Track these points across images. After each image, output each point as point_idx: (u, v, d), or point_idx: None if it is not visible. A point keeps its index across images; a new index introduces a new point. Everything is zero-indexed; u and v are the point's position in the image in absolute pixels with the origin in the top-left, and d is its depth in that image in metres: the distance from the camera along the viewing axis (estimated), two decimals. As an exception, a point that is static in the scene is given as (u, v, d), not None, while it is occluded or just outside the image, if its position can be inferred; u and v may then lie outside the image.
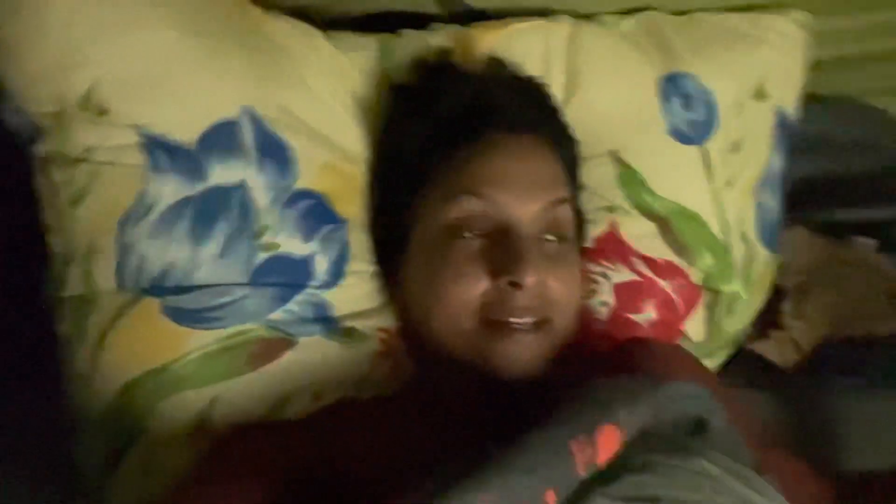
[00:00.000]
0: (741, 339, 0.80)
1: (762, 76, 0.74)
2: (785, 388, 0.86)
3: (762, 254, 0.76)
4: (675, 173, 0.70)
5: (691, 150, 0.70)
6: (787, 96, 0.77)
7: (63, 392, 0.55)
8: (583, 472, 0.44)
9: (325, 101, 0.63)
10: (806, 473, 0.64)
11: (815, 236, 0.91)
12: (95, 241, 0.55)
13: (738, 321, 0.75)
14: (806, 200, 0.92)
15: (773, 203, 0.77)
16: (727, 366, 0.81)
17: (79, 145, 0.55)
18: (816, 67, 0.82)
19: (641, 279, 0.69)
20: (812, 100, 0.87)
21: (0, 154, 0.57)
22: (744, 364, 0.84)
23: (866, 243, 0.91)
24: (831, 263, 0.90)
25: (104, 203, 0.55)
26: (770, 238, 0.77)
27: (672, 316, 0.70)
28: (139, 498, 0.53)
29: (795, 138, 0.85)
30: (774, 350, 0.86)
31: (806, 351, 0.86)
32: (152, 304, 0.55)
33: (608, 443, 0.46)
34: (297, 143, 0.60)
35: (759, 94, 0.74)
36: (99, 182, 0.55)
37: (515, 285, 0.54)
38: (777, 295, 0.86)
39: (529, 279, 0.54)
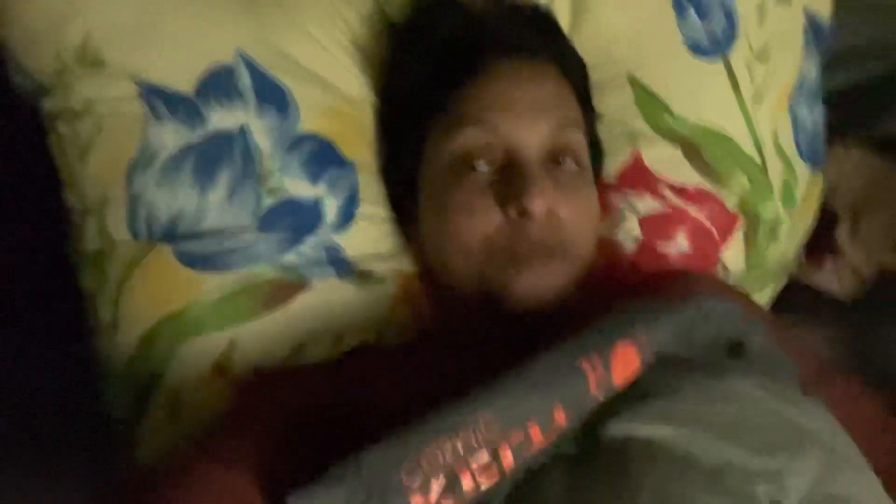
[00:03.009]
0: (789, 268, 0.75)
1: (786, -25, 0.68)
2: (846, 320, 0.80)
3: (804, 171, 0.70)
4: (697, 91, 0.66)
5: (713, 64, 0.66)
6: (818, -3, 0.72)
7: (88, 348, 0.57)
8: (596, 391, 0.42)
9: (323, 45, 0.62)
10: (866, 400, 0.59)
11: (868, 152, 0.84)
12: (106, 193, 0.56)
13: (783, 247, 0.70)
14: (855, 115, 0.85)
15: (812, 115, 0.72)
16: (778, 300, 0.76)
17: (80, 98, 0.56)
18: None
19: (670, 208, 0.66)
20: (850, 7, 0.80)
21: (12, 114, 0.59)
22: (797, 297, 0.79)
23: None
24: (890, 180, 0.83)
25: (110, 154, 0.56)
26: (812, 153, 0.72)
27: (706, 245, 0.66)
28: (166, 442, 0.54)
29: (835, 47, 0.78)
30: (831, 279, 0.81)
31: (866, 277, 0.80)
32: (165, 250, 0.56)
33: (624, 361, 0.44)
34: (296, 87, 0.60)
35: (784, -5, 0.68)
36: (103, 134, 0.56)
37: (524, 213, 0.52)
38: (829, 219, 0.80)
39: (538, 205, 0.52)
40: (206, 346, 0.55)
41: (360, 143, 0.63)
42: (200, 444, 0.48)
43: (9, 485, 0.54)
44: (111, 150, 0.56)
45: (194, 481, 0.42)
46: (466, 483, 0.39)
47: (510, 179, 0.53)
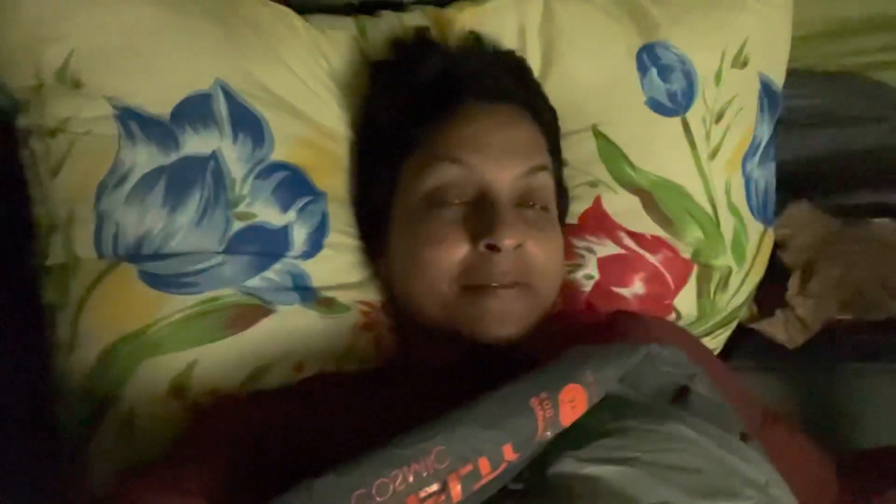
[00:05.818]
0: (739, 316, 0.78)
1: (743, 43, 0.72)
2: (792, 369, 0.83)
3: (755, 226, 0.74)
4: (656, 146, 0.69)
5: (672, 122, 0.69)
6: (772, 63, 0.76)
7: (45, 361, 0.57)
8: (544, 430, 0.44)
9: (302, 78, 0.64)
10: (806, 446, 0.62)
11: (821, 213, 0.89)
12: (74, 210, 0.56)
13: (734, 297, 0.73)
14: (814, 181, 0.90)
15: (764, 173, 0.76)
16: (730, 346, 0.79)
17: (56, 117, 0.57)
18: (812, 40, 0.80)
19: (628, 254, 0.68)
20: (812, 75, 0.85)
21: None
22: (748, 344, 0.82)
23: (884, 224, 0.88)
24: (841, 240, 0.87)
25: (81, 172, 0.57)
26: (763, 210, 0.75)
27: (661, 290, 0.69)
28: (117, 461, 0.54)
29: (796, 113, 0.83)
30: (780, 329, 0.84)
31: (813, 330, 0.84)
32: (129, 269, 0.56)
33: (571, 402, 0.45)
34: (272, 117, 0.61)
35: (740, 62, 0.72)
36: (76, 152, 0.56)
37: (493, 248, 0.54)
38: (781, 272, 0.84)
39: (507, 241, 0.54)
40: (164, 367, 0.55)
41: (332, 173, 0.64)
42: (157, 472, 0.48)
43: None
44: (83, 168, 0.56)
45: None
46: (415, 514, 0.40)
47: (481, 215, 0.55)
